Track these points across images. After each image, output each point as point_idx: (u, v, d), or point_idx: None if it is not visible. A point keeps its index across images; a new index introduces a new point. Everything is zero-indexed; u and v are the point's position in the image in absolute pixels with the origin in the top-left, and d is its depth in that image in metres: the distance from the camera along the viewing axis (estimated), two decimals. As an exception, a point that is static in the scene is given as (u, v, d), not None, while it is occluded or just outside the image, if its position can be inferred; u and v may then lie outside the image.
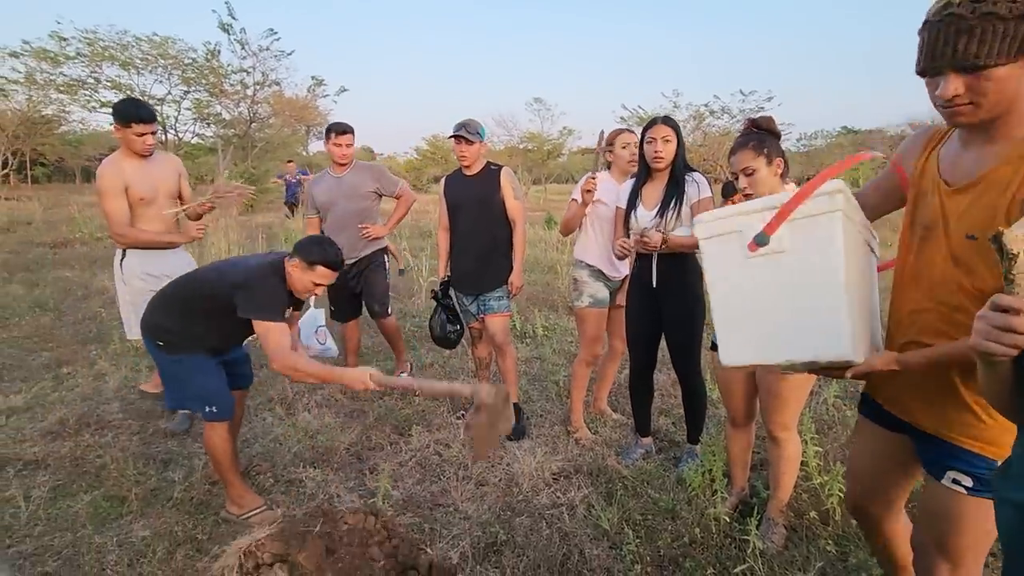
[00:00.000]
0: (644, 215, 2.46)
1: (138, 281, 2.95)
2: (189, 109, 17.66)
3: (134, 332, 3.01)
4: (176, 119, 17.88)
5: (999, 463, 1.05)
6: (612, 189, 2.75)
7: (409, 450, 2.79)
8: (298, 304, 2.36)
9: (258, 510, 2.24)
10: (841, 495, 2.18)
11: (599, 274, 2.83)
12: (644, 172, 2.52)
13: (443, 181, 3.12)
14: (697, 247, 2.29)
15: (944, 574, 1.27)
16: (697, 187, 2.43)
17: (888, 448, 1.37)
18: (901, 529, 1.51)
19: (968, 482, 1.17)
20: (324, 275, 2.11)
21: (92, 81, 15.80)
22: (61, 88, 15.72)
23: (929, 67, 1.03)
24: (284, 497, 2.40)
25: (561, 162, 32.00)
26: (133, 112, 2.73)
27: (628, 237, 2.54)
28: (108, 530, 2.16)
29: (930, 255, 1.16)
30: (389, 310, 3.54)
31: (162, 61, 16.07)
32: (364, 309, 3.58)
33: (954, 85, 1.00)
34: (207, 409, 2.18)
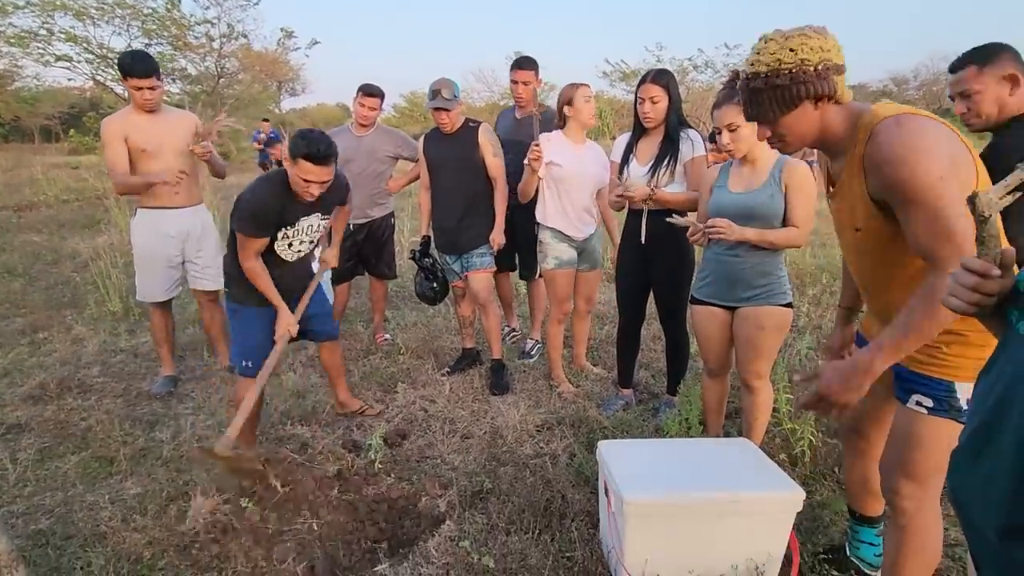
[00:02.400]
0: (637, 170, 2.46)
1: (150, 240, 2.90)
2: (152, 64, 16.81)
3: (143, 294, 3.00)
4: (139, 74, 17.01)
5: (957, 385, 1.28)
6: (566, 148, 2.72)
7: (396, 407, 2.85)
8: (301, 211, 2.25)
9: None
10: (812, 439, 2.31)
11: (562, 236, 2.84)
12: (638, 128, 2.49)
13: (422, 140, 3.07)
14: (686, 205, 2.34)
15: (908, 492, 1.40)
16: (692, 145, 2.41)
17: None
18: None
19: (929, 403, 1.32)
20: (307, 169, 2.04)
21: (45, 33, 14.89)
22: (11, 40, 14.78)
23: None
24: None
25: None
26: (128, 65, 2.69)
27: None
28: (99, 488, 2.19)
29: (848, 241, 1.40)
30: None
31: (119, 11, 15.17)
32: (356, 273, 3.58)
33: (762, 131, 1.33)
34: (243, 363, 2.28)
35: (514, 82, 3.16)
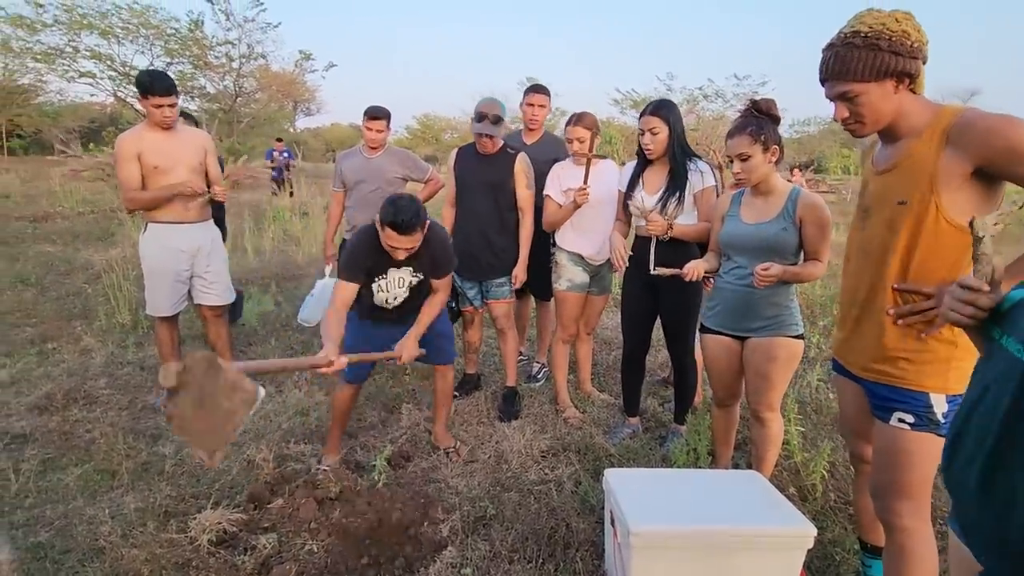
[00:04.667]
0: (647, 200, 2.47)
1: (160, 254, 2.93)
2: (173, 82, 17.22)
3: (152, 307, 3.01)
4: (159, 92, 17.41)
5: (932, 398, 1.35)
6: (577, 175, 2.72)
7: (400, 428, 2.82)
8: (392, 263, 2.27)
9: (328, 468, 2.36)
10: (825, 472, 2.27)
11: (578, 259, 2.84)
12: (643, 158, 2.51)
13: (454, 154, 3.03)
14: (701, 237, 2.34)
15: (903, 510, 1.41)
16: (701, 176, 2.43)
17: (856, 393, 1.56)
18: None
19: (911, 419, 1.37)
20: (389, 236, 2.10)
21: (70, 50, 15.27)
22: (38, 57, 15.17)
23: (822, 83, 1.39)
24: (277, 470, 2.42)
25: (552, 144, 31.71)
26: (148, 84, 2.73)
27: (627, 220, 2.59)
28: (100, 502, 2.17)
29: (871, 227, 1.43)
30: None
31: (143, 31, 15.56)
32: None
33: (840, 110, 1.36)
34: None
35: (529, 105, 3.19)
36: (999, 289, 0.89)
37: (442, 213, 3.13)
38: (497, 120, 2.76)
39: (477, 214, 2.90)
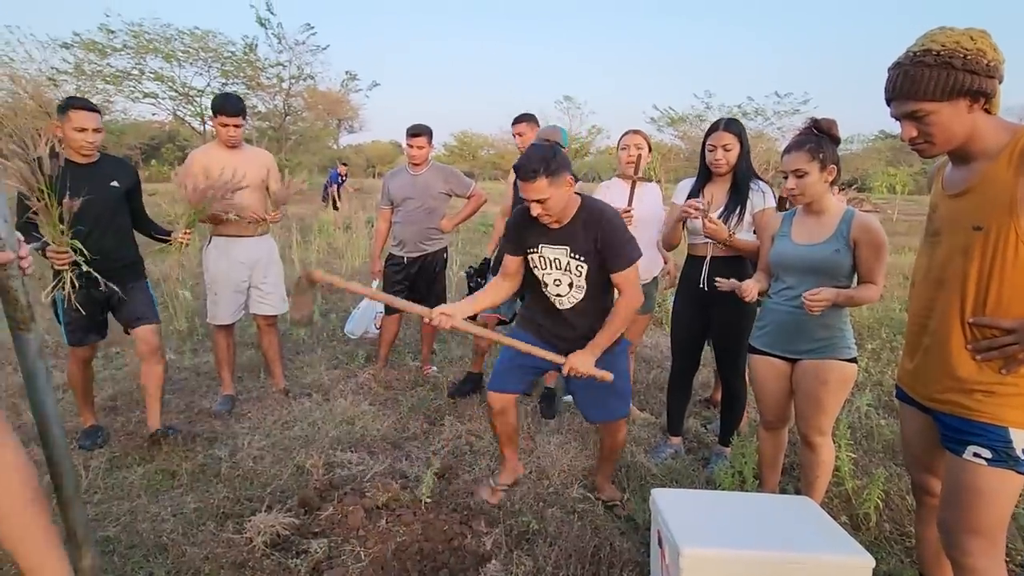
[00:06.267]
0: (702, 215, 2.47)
1: (222, 265, 3.10)
2: (227, 101, 18.14)
3: (212, 316, 3.18)
4: (214, 111, 18.38)
5: (1013, 433, 1.27)
6: (623, 195, 2.75)
7: (442, 439, 2.87)
8: (544, 238, 2.06)
9: (506, 485, 2.36)
10: (880, 502, 2.19)
11: None
12: (704, 174, 2.52)
13: (513, 171, 3.17)
14: (756, 254, 2.31)
15: (976, 549, 1.34)
16: (763, 196, 2.43)
17: (923, 424, 1.52)
18: None
19: (987, 454, 1.30)
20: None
21: (136, 72, 16.35)
22: (108, 79, 16.29)
23: (888, 103, 1.35)
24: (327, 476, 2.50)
25: (588, 160, 31.86)
26: (219, 105, 2.98)
27: (676, 235, 2.59)
28: (162, 501, 2.28)
29: (941, 253, 1.39)
30: None
31: (203, 54, 16.54)
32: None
33: (908, 129, 1.32)
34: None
35: (517, 135, 3.41)
36: None
37: (495, 223, 3.25)
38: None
39: None
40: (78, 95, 17.58)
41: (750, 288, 2.07)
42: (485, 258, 3.29)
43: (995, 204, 1.26)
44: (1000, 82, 1.26)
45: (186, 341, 4.22)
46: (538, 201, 1.87)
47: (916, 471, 1.65)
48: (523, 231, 2.05)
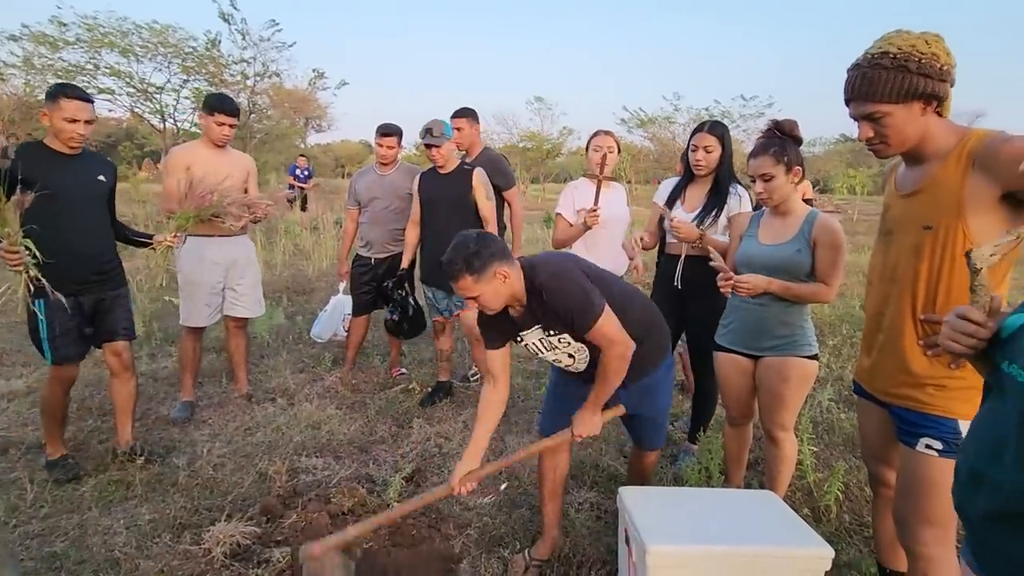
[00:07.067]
0: (684, 216, 2.50)
1: (197, 266, 3.00)
2: (188, 98, 17.54)
3: (186, 318, 3.07)
4: (175, 108, 17.77)
5: (961, 425, 1.33)
6: (590, 195, 2.75)
7: (410, 442, 2.83)
8: (518, 328, 1.83)
9: (541, 561, 1.97)
10: (840, 494, 2.25)
11: None
12: (688, 175, 2.55)
13: (418, 178, 3.23)
14: (727, 252, 2.35)
15: (929, 538, 1.39)
16: (739, 200, 2.47)
17: (880, 418, 1.56)
18: None
19: (939, 446, 1.36)
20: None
21: (91, 67, 15.67)
22: (59, 73, 15.54)
23: (847, 104, 1.38)
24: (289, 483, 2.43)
25: (560, 162, 32.07)
26: (217, 103, 2.94)
27: (656, 234, 2.63)
28: (115, 513, 2.18)
29: (894, 252, 1.43)
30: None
31: (162, 49, 15.93)
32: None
33: (864, 130, 1.36)
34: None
35: (456, 129, 3.37)
36: (998, 318, 0.90)
37: (406, 233, 3.25)
38: (441, 134, 3.01)
39: (443, 229, 3.01)
40: (27, 88, 16.74)
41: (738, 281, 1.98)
42: (403, 269, 3.28)
43: (944, 205, 1.30)
44: (952, 86, 1.30)
45: (142, 346, 4.06)
46: (472, 298, 1.66)
47: (873, 463, 1.70)
48: (493, 327, 1.79)
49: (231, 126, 2.96)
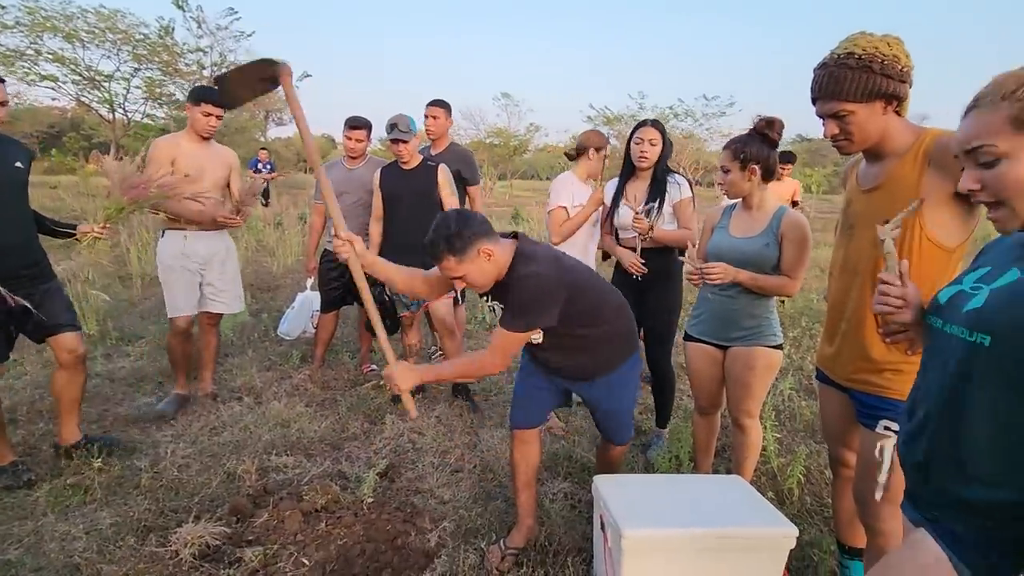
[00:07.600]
0: (628, 213, 2.56)
1: (176, 259, 2.93)
2: (139, 88, 16.80)
3: (173, 309, 2.99)
4: (125, 97, 16.99)
5: None
6: (579, 189, 2.81)
7: (383, 438, 2.80)
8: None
9: (517, 549, 1.99)
10: (801, 477, 2.35)
11: None
12: (628, 171, 2.63)
13: (378, 173, 3.18)
14: (679, 242, 2.44)
15: (886, 515, 1.46)
16: (679, 188, 2.58)
17: (841, 402, 1.63)
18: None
19: (896, 427, 1.40)
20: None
21: (32, 52, 14.82)
22: (-3, 58, 14.66)
23: (814, 102, 1.44)
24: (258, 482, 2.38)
25: (527, 158, 32.14)
26: (203, 93, 2.87)
27: (613, 234, 2.69)
28: (73, 518, 2.09)
29: (856, 244, 1.51)
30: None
31: (110, 35, 15.22)
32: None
33: (830, 127, 1.42)
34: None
35: (427, 116, 3.43)
36: (908, 282, 1.08)
37: (370, 229, 3.20)
38: (407, 129, 2.99)
39: (408, 224, 3.02)
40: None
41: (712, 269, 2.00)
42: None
43: (903, 200, 1.36)
44: (911, 87, 1.38)
45: (97, 346, 3.89)
46: (457, 278, 1.70)
47: (834, 446, 1.78)
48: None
49: (218, 117, 2.89)
